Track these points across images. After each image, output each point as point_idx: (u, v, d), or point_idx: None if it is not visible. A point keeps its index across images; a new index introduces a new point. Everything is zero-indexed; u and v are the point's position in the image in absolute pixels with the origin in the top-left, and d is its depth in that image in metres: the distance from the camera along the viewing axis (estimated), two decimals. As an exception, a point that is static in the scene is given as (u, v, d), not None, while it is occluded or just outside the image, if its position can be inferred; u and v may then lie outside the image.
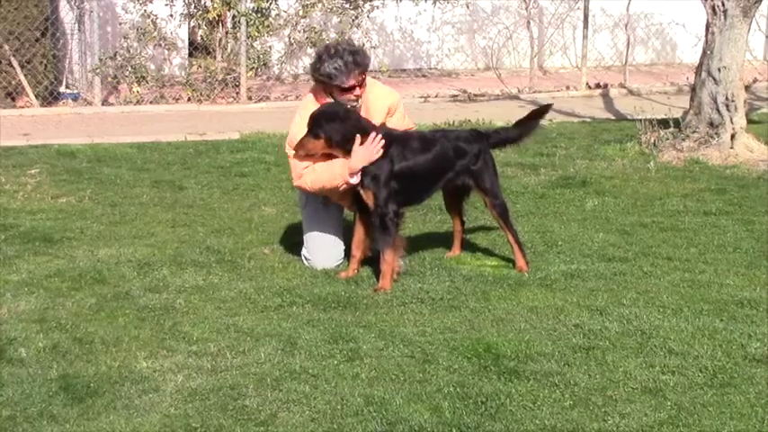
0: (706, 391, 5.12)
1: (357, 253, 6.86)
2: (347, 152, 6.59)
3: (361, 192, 6.67)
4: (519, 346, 5.62)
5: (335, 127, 6.55)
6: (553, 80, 16.74)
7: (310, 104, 6.82)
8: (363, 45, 7.03)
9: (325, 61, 6.67)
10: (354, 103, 6.78)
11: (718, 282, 6.76)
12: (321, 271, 6.93)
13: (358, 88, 6.74)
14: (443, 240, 7.63)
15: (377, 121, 6.81)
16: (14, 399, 4.99)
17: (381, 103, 6.91)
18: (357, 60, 6.65)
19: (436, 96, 14.89)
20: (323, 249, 7.02)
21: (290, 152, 6.80)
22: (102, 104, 13.92)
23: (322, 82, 6.76)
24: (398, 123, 7.02)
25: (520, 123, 7.27)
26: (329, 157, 6.67)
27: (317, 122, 6.57)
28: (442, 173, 6.90)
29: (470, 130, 7.29)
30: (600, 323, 5.99)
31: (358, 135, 6.58)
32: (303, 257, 7.10)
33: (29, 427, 4.74)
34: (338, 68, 6.62)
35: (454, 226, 7.34)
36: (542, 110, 7.37)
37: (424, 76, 17.09)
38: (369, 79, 7.04)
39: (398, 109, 7.06)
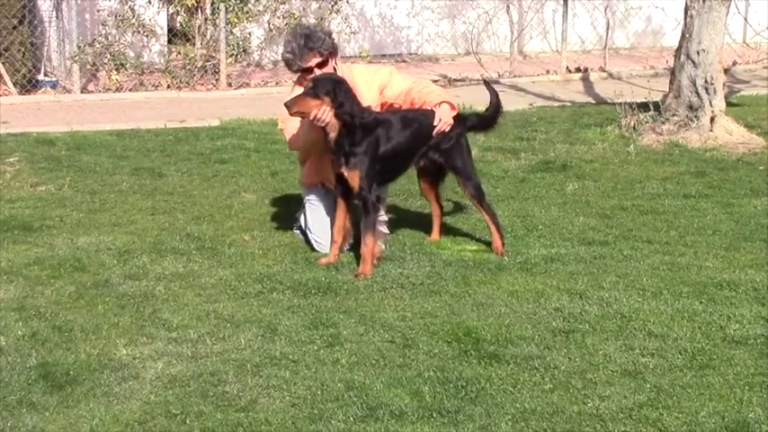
0: (685, 373, 5.14)
1: (338, 239, 6.85)
2: (336, 115, 6.57)
3: (345, 172, 6.66)
4: (499, 331, 5.64)
5: (334, 89, 6.56)
6: (533, 64, 16.74)
7: (298, 89, 6.91)
8: (324, 28, 7.24)
9: (283, 48, 6.96)
10: None
11: (697, 264, 6.78)
12: (301, 257, 6.92)
13: (320, 69, 6.84)
14: (423, 225, 7.63)
15: (370, 102, 6.88)
16: (-7, 387, 4.98)
17: (369, 84, 6.92)
18: (309, 44, 6.82)
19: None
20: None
21: (281, 125, 7.08)
22: (81, 92, 13.86)
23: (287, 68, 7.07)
24: (402, 86, 7.08)
25: (490, 106, 7.36)
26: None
27: (318, 83, 6.59)
28: (416, 150, 6.96)
29: None
30: (580, 306, 6.01)
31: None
32: (313, 241, 7.06)
33: (8, 416, 4.72)
34: (291, 52, 6.85)
35: (433, 210, 7.35)
36: (491, 89, 7.43)
37: (404, 61, 17.05)
38: (350, 65, 7.23)
39: (393, 78, 7.11)
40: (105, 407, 4.80)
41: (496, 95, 7.33)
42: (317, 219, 7.09)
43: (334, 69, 6.93)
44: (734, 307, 6.00)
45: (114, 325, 5.75)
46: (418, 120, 6.93)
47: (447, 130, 6.95)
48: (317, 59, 6.85)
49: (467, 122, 7.21)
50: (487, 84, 7.56)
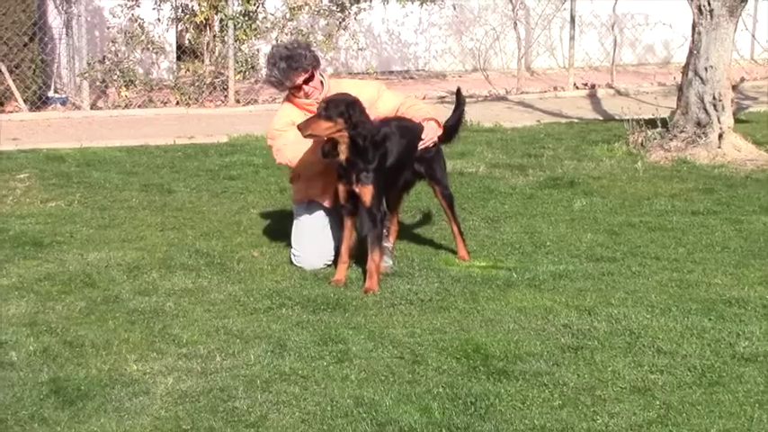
0: (695, 390, 5.15)
1: (346, 259, 6.83)
2: (349, 137, 6.59)
3: (357, 189, 6.68)
4: (508, 347, 5.64)
5: (348, 110, 6.57)
6: (541, 81, 16.77)
7: (287, 105, 7.07)
8: (301, 42, 7.41)
9: (266, 71, 7.04)
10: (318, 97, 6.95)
11: (706, 281, 6.79)
12: (310, 273, 6.94)
13: (307, 85, 6.92)
14: (432, 242, 7.66)
15: None
16: (5, 402, 4.99)
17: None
18: (291, 65, 6.87)
19: (424, 98, 14.87)
20: (312, 247, 7.05)
21: (270, 142, 7.13)
22: (91, 108, 13.90)
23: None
24: (393, 103, 7.17)
25: (453, 112, 7.47)
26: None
27: (331, 105, 6.58)
28: (412, 159, 7.05)
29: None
30: (588, 323, 6.01)
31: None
32: (292, 255, 7.13)
33: (20, 430, 4.74)
34: (276, 77, 6.93)
35: (391, 223, 7.30)
36: (458, 93, 7.57)
37: (411, 77, 17.10)
38: (338, 80, 7.48)
39: (383, 94, 7.18)
40: (116, 422, 4.82)
41: (462, 106, 7.48)
42: (299, 234, 7.15)
43: (321, 82, 7.00)
44: (743, 324, 6.00)
45: (125, 340, 5.78)
46: (412, 130, 7.01)
47: (431, 146, 7.10)
48: (303, 76, 6.91)
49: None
50: (458, 93, 7.61)
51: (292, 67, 6.86)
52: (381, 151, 6.71)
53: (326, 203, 7.07)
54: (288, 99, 7.10)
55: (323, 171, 6.90)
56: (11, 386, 5.16)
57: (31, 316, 6.15)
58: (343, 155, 6.65)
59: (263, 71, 7.07)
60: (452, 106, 7.59)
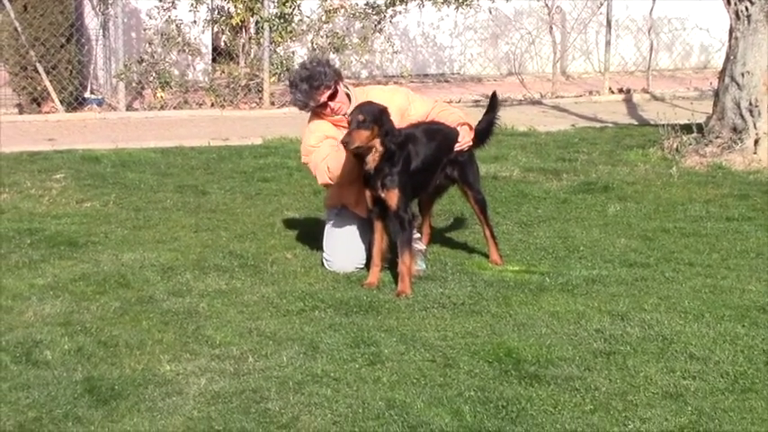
0: (727, 397, 5.12)
1: (379, 263, 6.86)
2: (383, 143, 6.60)
3: (383, 194, 6.70)
4: (540, 351, 5.64)
5: (381, 117, 6.59)
6: (576, 85, 16.73)
7: (317, 120, 7.02)
8: (321, 58, 7.38)
9: (290, 96, 7.11)
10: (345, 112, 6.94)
11: (740, 287, 6.75)
12: (343, 276, 6.96)
13: (332, 101, 6.92)
14: (465, 245, 7.66)
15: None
16: (40, 400, 5.04)
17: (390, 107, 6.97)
18: (313, 84, 6.87)
19: (459, 101, 14.89)
20: (344, 252, 7.07)
21: (305, 158, 7.07)
22: (127, 110, 14.01)
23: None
24: (424, 108, 7.18)
25: (485, 115, 7.44)
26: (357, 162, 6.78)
27: (367, 113, 6.57)
28: (441, 162, 7.06)
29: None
30: (621, 328, 6.00)
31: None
32: (323, 259, 7.15)
33: (54, 429, 4.78)
34: (300, 99, 6.94)
35: (424, 228, 7.37)
36: (493, 97, 7.55)
37: (446, 81, 17.11)
38: (364, 88, 7.45)
39: (413, 101, 7.20)
40: (149, 421, 4.85)
41: (495, 110, 7.45)
42: (330, 239, 7.17)
43: (347, 95, 7.00)
44: (777, 331, 5.98)
45: (158, 341, 5.81)
46: (441, 132, 7.04)
47: (466, 149, 7.14)
48: (327, 93, 6.89)
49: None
50: (493, 97, 7.58)
51: (314, 86, 6.85)
52: (404, 154, 6.72)
53: (360, 212, 7.06)
54: (315, 115, 7.06)
55: (357, 178, 6.89)
56: (45, 385, 5.21)
57: (66, 316, 6.21)
58: (373, 163, 6.66)
59: (289, 97, 7.08)
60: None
